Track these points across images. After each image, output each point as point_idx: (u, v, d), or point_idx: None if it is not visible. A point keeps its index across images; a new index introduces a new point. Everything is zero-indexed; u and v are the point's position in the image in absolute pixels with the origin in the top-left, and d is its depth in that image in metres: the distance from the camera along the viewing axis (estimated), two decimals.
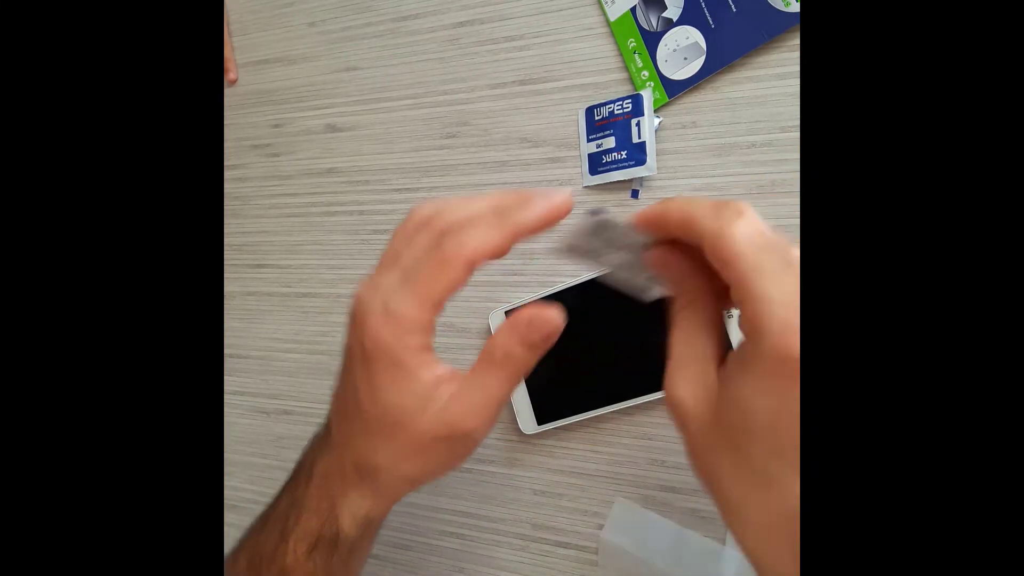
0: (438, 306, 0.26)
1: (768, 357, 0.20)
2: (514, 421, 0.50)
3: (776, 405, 0.20)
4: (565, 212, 0.26)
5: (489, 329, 0.51)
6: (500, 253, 0.25)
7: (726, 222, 0.22)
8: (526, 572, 0.52)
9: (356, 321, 0.28)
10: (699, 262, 0.25)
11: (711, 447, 0.23)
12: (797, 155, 0.44)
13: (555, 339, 0.26)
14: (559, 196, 0.25)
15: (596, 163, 0.49)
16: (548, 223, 0.26)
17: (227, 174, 0.62)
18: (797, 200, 0.44)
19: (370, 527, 0.32)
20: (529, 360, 0.26)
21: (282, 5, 0.60)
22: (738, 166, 0.46)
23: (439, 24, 0.54)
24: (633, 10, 0.47)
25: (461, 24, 0.53)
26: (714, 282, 0.25)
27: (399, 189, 0.56)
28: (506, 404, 0.27)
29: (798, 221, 0.40)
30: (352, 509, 0.30)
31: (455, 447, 0.27)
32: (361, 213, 0.58)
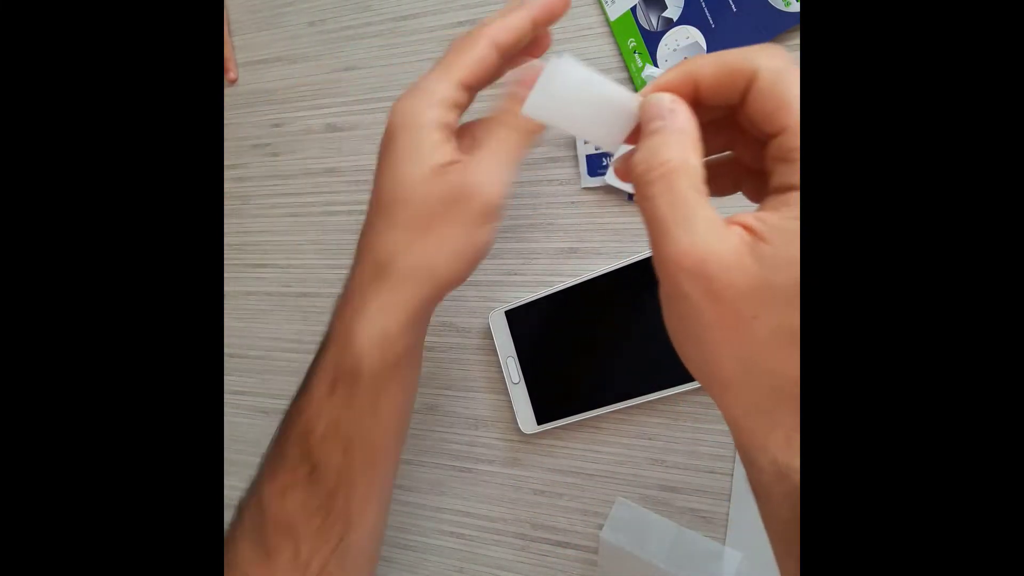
0: (465, 82, 0.27)
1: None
2: (514, 421, 0.50)
3: None
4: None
5: (489, 329, 0.51)
6: (522, 32, 0.27)
7: (786, 62, 0.21)
8: (526, 572, 0.52)
9: (390, 113, 0.29)
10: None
11: (748, 315, 0.19)
12: None
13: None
14: None
15: (595, 165, 0.49)
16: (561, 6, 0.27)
17: (227, 174, 0.62)
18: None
19: (391, 349, 0.27)
20: (530, 120, 0.25)
21: (282, 5, 0.60)
22: None
23: (439, 24, 0.54)
24: (633, 10, 0.47)
25: (461, 24, 0.53)
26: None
27: None
28: (516, 167, 0.27)
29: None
30: (367, 327, 0.27)
31: (465, 213, 0.26)
32: (361, 213, 0.58)
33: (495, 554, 0.53)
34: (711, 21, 0.45)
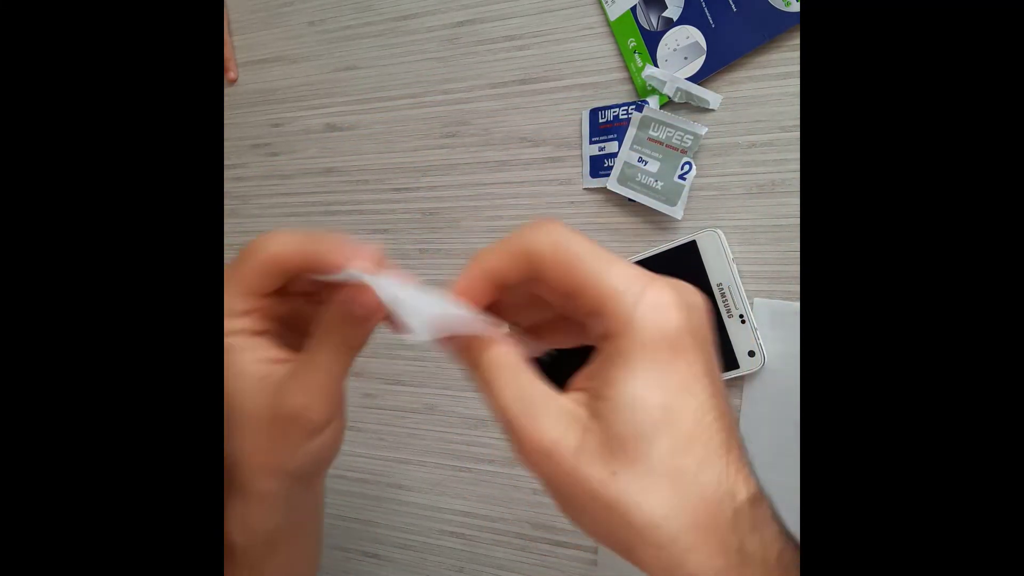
0: (250, 292, 0.26)
1: (646, 346, 0.20)
2: None
3: (666, 394, 0.20)
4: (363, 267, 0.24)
5: None
6: (294, 262, 0.25)
7: (558, 232, 0.23)
8: (526, 572, 0.52)
9: None
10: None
11: (606, 477, 0.20)
12: (797, 155, 0.44)
13: (379, 316, 0.24)
14: (363, 250, 0.24)
15: (597, 166, 0.49)
16: (336, 262, 0.24)
17: (227, 173, 0.62)
18: (797, 200, 0.44)
19: (255, 535, 0.29)
20: (354, 336, 0.25)
21: (282, 4, 0.60)
22: (738, 166, 0.46)
23: (438, 23, 0.54)
24: (633, 9, 0.47)
25: (460, 24, 0.53)
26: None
27: (398, 188, 0.56)
28: (343, 381, 0.26)
29: (798, 221, 0.40)
30: (232, 517, 0.28)
31: (291, 430, 0.25)
32: (360, 212, 0.58)
33: (495, 554, 0.53)
34: (711, 21, 0.45)
